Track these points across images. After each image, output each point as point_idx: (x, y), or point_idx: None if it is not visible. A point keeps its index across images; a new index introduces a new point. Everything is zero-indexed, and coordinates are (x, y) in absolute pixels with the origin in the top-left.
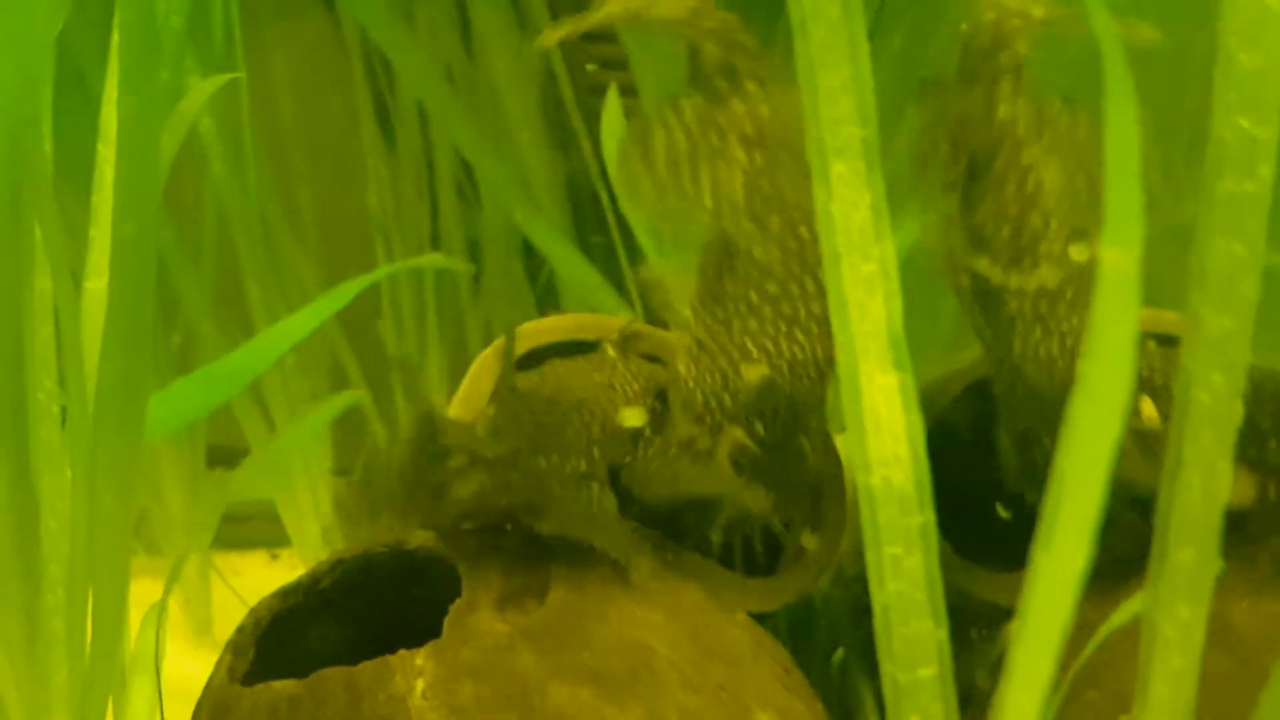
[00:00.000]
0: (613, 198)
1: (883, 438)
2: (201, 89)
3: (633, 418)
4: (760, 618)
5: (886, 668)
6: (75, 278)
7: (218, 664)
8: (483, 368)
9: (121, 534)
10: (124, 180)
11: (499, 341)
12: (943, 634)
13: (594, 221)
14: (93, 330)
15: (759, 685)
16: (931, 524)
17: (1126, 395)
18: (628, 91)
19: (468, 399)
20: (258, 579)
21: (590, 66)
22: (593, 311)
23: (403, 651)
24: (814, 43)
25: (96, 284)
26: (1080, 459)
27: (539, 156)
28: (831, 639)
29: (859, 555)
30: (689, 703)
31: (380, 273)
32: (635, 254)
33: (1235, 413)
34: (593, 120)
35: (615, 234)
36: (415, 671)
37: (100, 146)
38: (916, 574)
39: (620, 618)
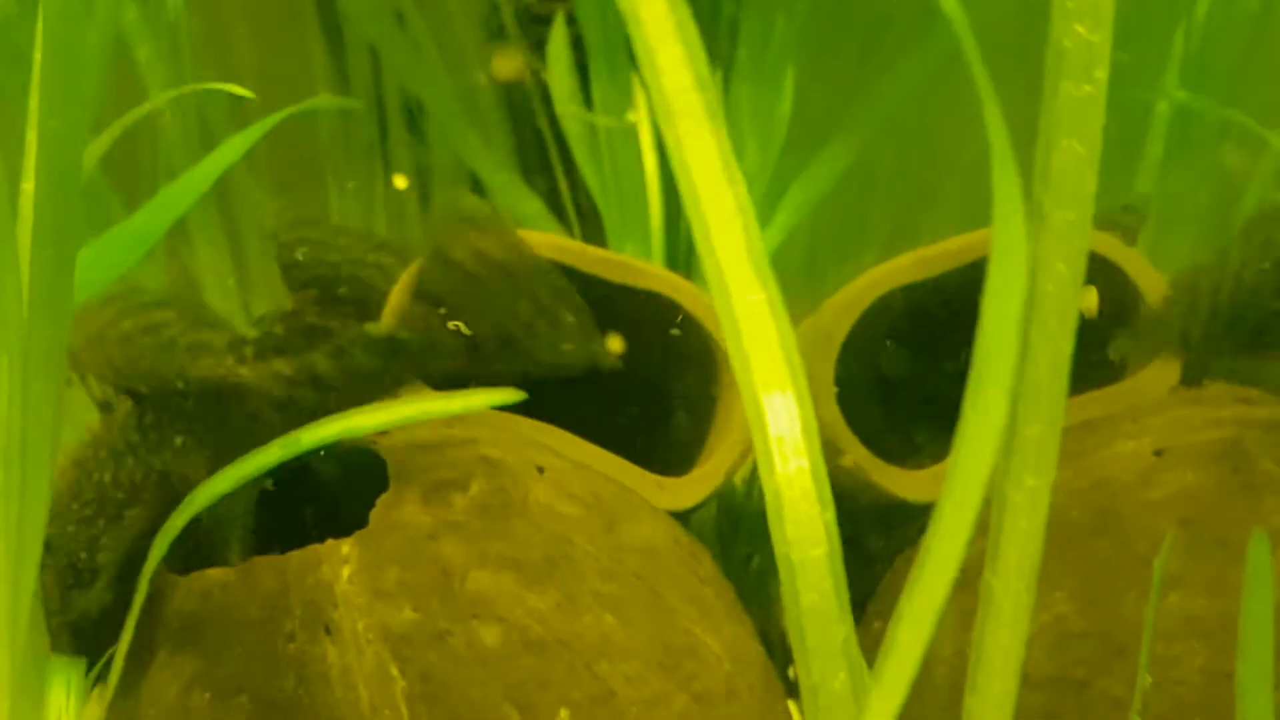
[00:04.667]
0: (555, 127)
1: (758, 346)
2: None
3: None
4: (686, 522)
5: (780, 549)
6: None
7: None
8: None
9: (50, 424)
10: (49, 74)
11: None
12: (830, 516)
13: (537, 151)
14: (27, 231)
15: (672, 574)
16: (813, 419)
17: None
18: (570, 20)
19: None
20: None
21: None
22: None
23: (330, 540)
24: (646, 29)
25: (30, 186)
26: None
27: (484, 87)
28: (750, 546)
29: None
30: (604, 589)
31: (284, 113)
32: (577, 183)
33: (1077, 298)
34: (537, 50)
35: (557, 162)
36: (342, 559)
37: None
38: (803, 460)
39: (540, 511)
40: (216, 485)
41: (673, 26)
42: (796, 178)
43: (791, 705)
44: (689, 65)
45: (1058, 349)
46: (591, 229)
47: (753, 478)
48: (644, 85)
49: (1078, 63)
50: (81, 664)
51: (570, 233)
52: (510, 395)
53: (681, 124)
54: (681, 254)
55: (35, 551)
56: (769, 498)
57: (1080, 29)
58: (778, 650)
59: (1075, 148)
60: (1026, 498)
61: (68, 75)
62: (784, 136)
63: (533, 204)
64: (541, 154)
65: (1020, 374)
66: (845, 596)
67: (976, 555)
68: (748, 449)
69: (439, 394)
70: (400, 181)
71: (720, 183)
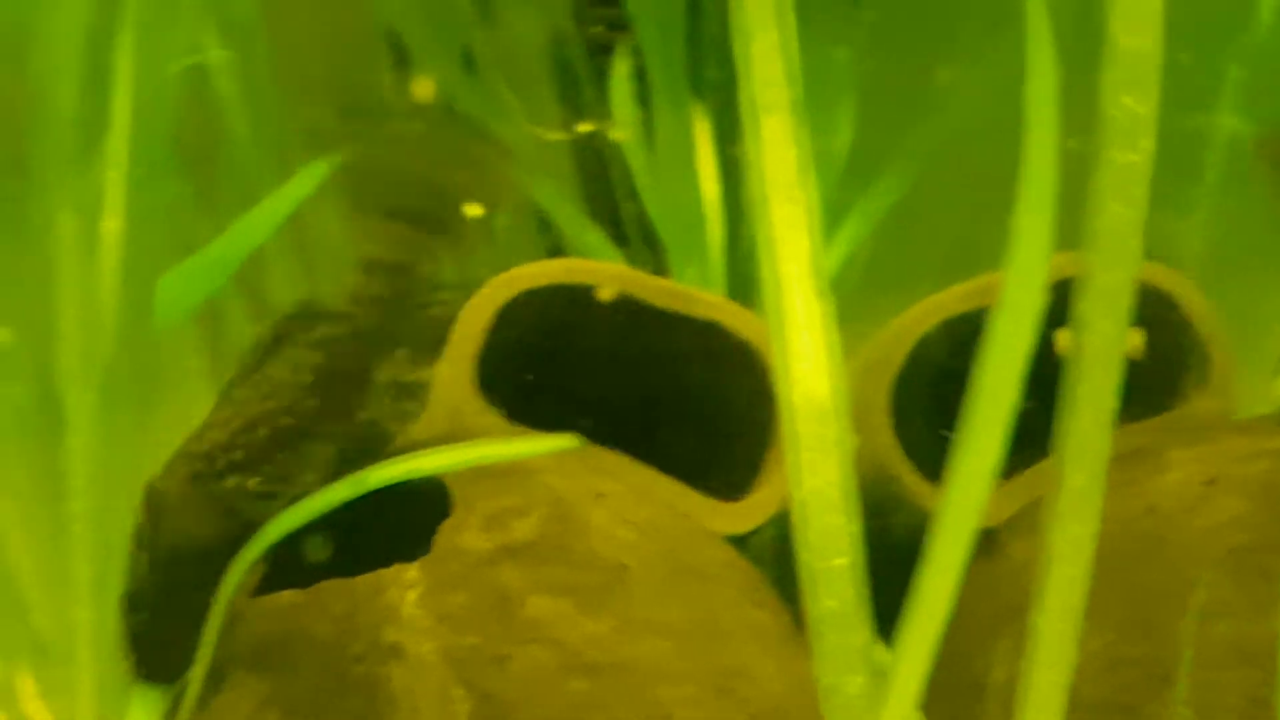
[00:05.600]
0: (618, 158)
1: (804, 355)
2: None
3: None
4: (744, 546)
5: (804, 557)
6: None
7: None
8: (468, 319)
9: (132, 456)
10: (135, 117)
11: (483, 291)
12: (855, 528)
13: (600, 183)
14: (110, 266)
15: (728, 599)
16: (846, 435)
17: (1040, 305)
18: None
19: (457, 349)
20: None
21: (596, 28)
22: None
23: (397, 565)
24: (748, 12)
25: (111, 224)
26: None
27: (549, 117)
28: None
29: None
30: (660, 614)
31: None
32: (641, 214)
33: (1120, 354)
34: (600, 80)
35: (621, 193)
36: (407, 584)
37: (115, 92)
38: (832, 475)
39: (598, 537)
40: (287, 520)
41: (773, 10)
42: (853, 207)
43: None
44: (782, 56)
45: (1101, 405)
46: (656, 258)
47: None
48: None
49: (1124, 132)
50: (159, 687)
51: (634, 262)
52: (568, 441)
53: (765, 121)
54: (741, 282)
55: (117, 581)
56: (795, 507)
57: (1128, 100)
58: None
59: (1122, 212)
60: (1071, 546)
61: (151, 118)
62: (842, 167)
63: (594, 235)
64: (606, 184)
65: (1068, 427)
66: (866, 605)
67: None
68: None
69: (500, 439)
70: (473, 210)
71: (792, 186)
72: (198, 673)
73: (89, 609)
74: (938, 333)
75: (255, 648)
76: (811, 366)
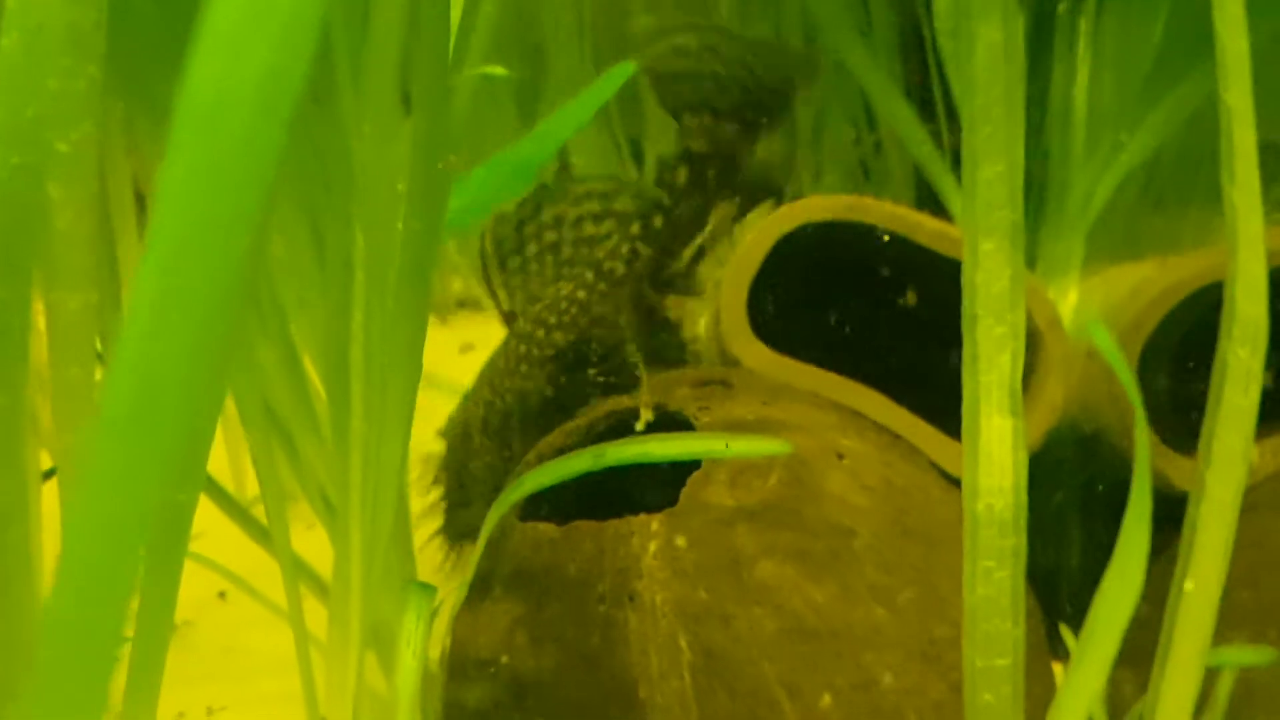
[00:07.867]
0: (936, 47)
1: (992, 471)
2: None
3: None
4: None
5: (969, 653)
6: None
7: None
8: (752, 245)
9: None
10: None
11: (767, 221)
12: (1019, 633)
13: (918, 66)
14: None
15: (950, 564)
16: (1022, 546)
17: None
18: None
19: (736, 275)
20: None
21: None
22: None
23: (643, 515)
24: (979, 138)
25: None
26: None
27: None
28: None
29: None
30: (881, 581)
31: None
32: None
33: None
34: None
35: (935, 78)
36: (650, 535)
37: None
38: (1004, 584)
39: (831, 503)
40: (541, 476)
41: (1004, 139)
42: (1156, 106)
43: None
44: (1007, 182)
45: None
46: (958, 138)
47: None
48: None
49: None
50: (434, 591)
51: (936, 138)
52: (781, 447)
53: (984, 243)
54: (1035, 183)
55: (390, 493)
56: (967, 611)
57: None
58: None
59: None
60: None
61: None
62: (1148, 67)
63: (903, 107)
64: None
65: None
66: (1020, 700)
67: None
68: (1052, 426)
69: (723, 434)
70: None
71: (1003, 307)
72: (467, 577)
73: (360, 519)
74: (1190, 300)
75: (515, 570)
76: (998, 481)
